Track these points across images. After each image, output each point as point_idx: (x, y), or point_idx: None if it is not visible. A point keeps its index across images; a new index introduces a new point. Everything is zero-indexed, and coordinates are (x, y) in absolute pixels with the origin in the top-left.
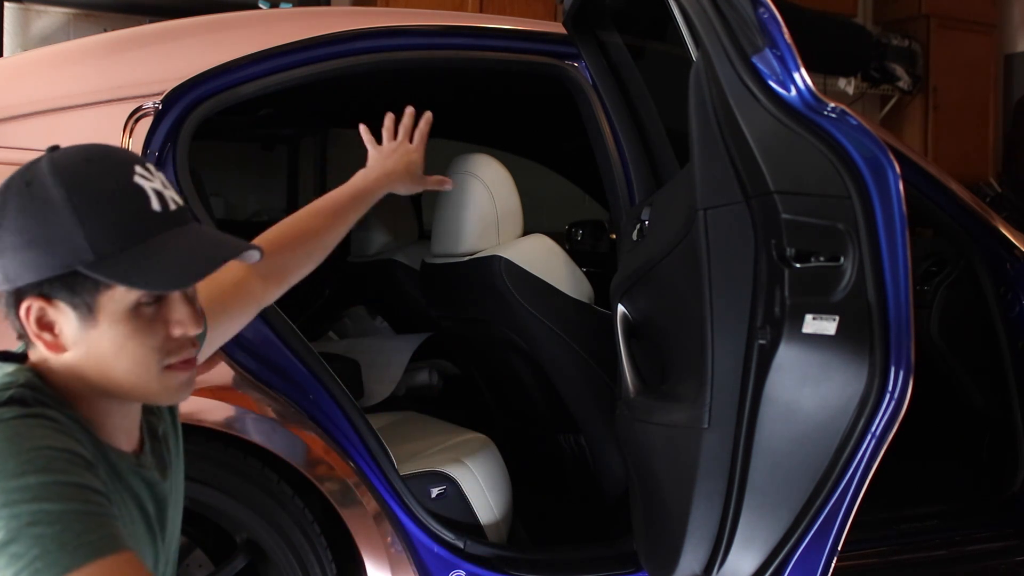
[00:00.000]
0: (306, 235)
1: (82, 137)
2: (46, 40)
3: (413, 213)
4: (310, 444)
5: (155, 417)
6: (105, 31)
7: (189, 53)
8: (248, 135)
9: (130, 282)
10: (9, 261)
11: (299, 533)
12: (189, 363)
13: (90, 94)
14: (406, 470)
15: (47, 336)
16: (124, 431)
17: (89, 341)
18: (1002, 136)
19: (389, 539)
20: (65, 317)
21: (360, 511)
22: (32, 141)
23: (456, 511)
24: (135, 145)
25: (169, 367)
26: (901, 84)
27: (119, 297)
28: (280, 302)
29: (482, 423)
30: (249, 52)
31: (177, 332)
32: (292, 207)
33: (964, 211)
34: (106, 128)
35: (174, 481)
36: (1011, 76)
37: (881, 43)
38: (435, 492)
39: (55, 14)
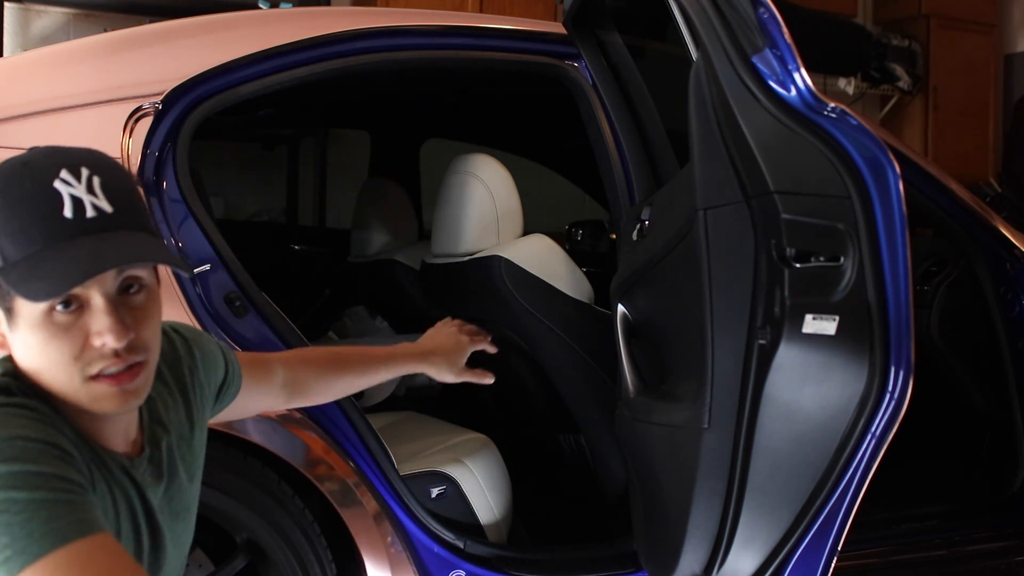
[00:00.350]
0: (331, 369)
1: (82, 137)
2: (46, 40)
3: (413, 213)
4: (310, 444)
5: (161, 428)
6: (105, 31)
7: (189, 53)
8: (248, 135)
9: (16, 289)
10: None
11: (299, 533)
12: (119, 377)
13: (90, 94)
14: (406, 470)
15: None
16: (109, 431)
17: (16, 343)
18: (1002, 136)
19: (389, 539)
20: (1, 317)
21: (360, 511)
22: (32, 141)
23: (456, 511)
24: (135, 145)
25: (93, 378)
26: (901, 84)
27: (30, 303)
28: (280, 302)
29: (482, 423)
30: (249, 52)
31: (96, 342)
32: (292, 207)
33: (964, 211)
34: (106, 128)
35: (175, 494)
36: (1011, 76)
37: (881, 43)
38: (435, 492)
39: (55, 14)
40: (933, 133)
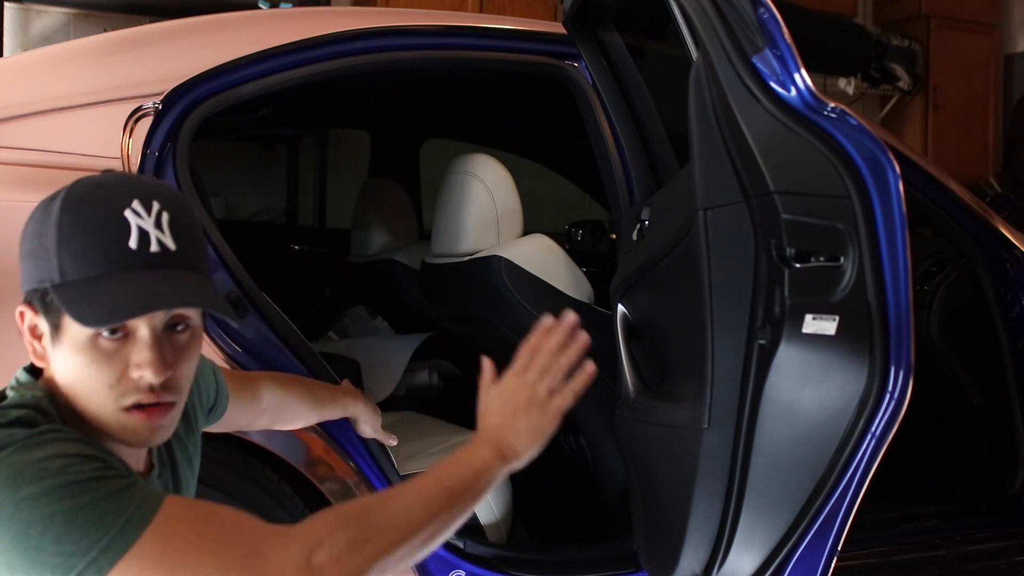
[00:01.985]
0: (307, 399)
1: (82, 137)
2: (46, 40)
3: (413, 213)
4: (310, 444)
5: (167, 449)
6: (105, 31)
7: (189, 53)
8: (248, 135)
9: (67, 309)
10: (22, 267)
11: None
12: (151, 411)
13: (90, 94)
14: (406, 470)
15: (36, 345)
16: (128, 451)
17: (56, 360)
18: (1002, 136)
19: None
20: (44, 329)
21: None
22: (32, 141)
23: None
24: (135, 145)
25: (127, 409)
26: (901, 84)
27: (81, 326)
28: (280, 302)
29: None
30: (249, 52)
31: (134, 374)
32: (292, 207)
33: (964, 211)
34: (106, 128)
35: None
36: (1011, 76)
37: (881, 43)
38: None
39: (55, 14)
40: (933, 133)
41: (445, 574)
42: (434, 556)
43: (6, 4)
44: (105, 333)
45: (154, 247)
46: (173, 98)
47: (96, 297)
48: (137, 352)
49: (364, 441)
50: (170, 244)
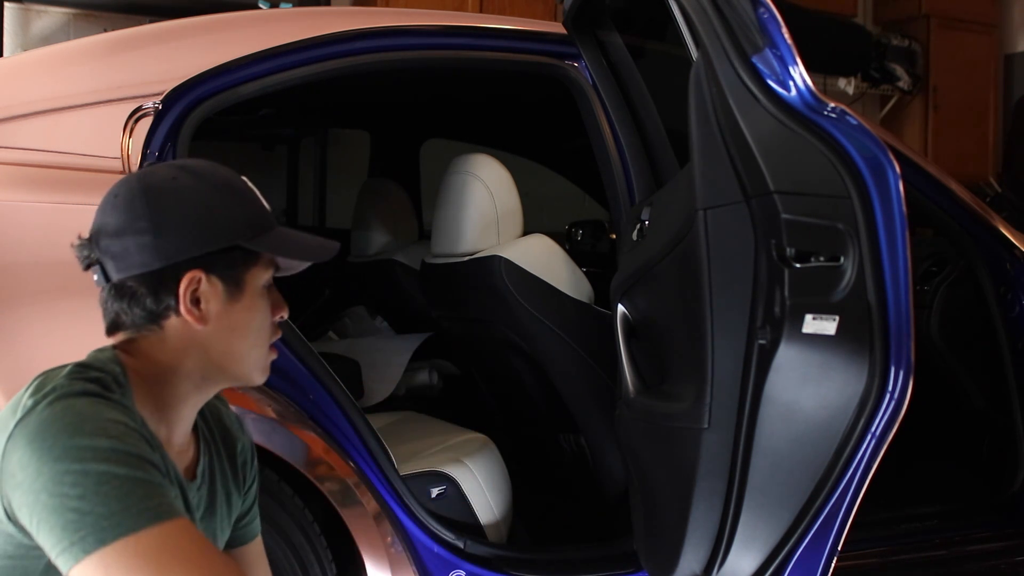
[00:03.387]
0: None
1: (83, 137)
2: (46, 40)
3: (413, 213)
4: (310, 444)
5: (222, 476)
6: (105, 31)
7: (189, 53)
8: (248, 135)
9: (287, 254)
10: (170, 240)
11: (299, 533)
12: (274, 349)
13: (90, 94)
14: (406, 470)
15: (195, 310)
16: (177, 439)
17: (230, 315)
18: (1002, 136)
19: (389, 539)
20: (214, 291)
21: (360, 511)
22: (32, 141)
23: (456, 511)
24: (135, 145)
25: (271, 346)
26: (901, 84)
27: (259, 275)
28: None
29: (482, 423)
30: (249, 52)
31: (276, 316)
32: (292, 207)
33: (964, 211)
34: (106, 128)
35: (207, 526)
36: (1011, 76)
37: (881, 43)
38: (435, 492)
39: (55, 14)
40: (933, 133)
41: (445, 574)
42: (434, 556)
43: (6, 4)
44: (268, 283)
45: (269, 208)
46: (173, 98)
47: (291, 245)
48: (277, 296)
49: (364, 441)
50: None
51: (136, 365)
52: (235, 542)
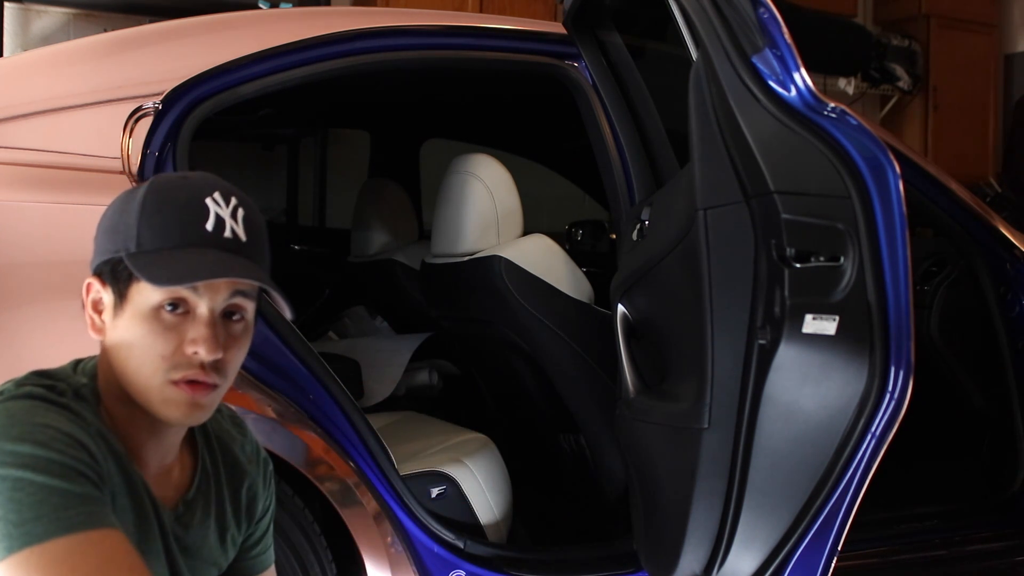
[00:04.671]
0: None
1: (82, 137)
2: (46, 40)
3: (413, 213)
4: (310, 444)
5: (233, 499)
6: (105, 31)
7: (189, 53)
8: (248, 135)
9: (142, 272)
10: (95, 246)
11: (299, 533)
12: (196, 387)
13: (90, 94)
14: (406, 470)
15: (96, 318)
16: (151, 458)
17: (116, 328)
18: (1002, 136)
19: (389, 539)
20: (108, 302)
21: (360, 511)
22: (32, 141)
23: (456, 511)
24: (135, 145)
25: (174, 382)
26: (901, 84)
27: (144, 294)
28: None
29: (482, 423)
30: (249, 52)
31: (189, 350)
32: (292, 207)
33: (964, 211)
34: (106, 128)
35: (199, 543)
36: (1011, 76)
37: (881, 43)
38: (435, 492)
39: (55, 14)
40: (933, 133)
41: (445, 574)
42: (434, 556)
43: (6, 4)
44: (168, 307)
45: (227, 233)
46: (173, 98)
47: (169, 263)
48: (195, 328)
49: (364, 441)
50: (242, 235)
51: (103, 374)
52: (243, 572)
